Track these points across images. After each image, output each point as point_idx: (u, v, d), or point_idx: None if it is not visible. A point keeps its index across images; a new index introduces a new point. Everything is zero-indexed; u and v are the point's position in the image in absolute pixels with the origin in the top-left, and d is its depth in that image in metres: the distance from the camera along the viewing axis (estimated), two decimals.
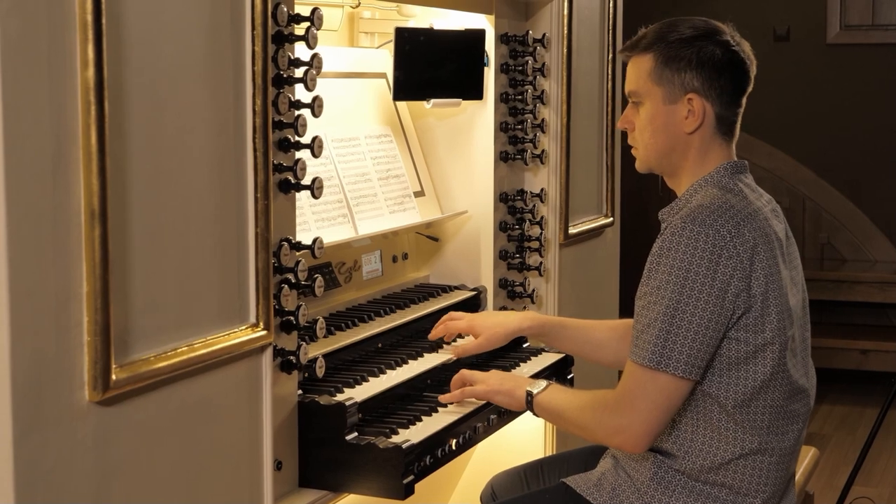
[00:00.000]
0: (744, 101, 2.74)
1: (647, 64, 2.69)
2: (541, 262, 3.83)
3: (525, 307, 3.81)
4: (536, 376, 3.27)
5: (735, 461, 2.60)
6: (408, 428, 2.79)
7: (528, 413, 2.88)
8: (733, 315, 2.53)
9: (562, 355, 3.45)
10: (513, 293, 3.79)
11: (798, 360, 2.67)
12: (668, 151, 2.72)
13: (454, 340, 3.27)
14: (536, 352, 3.50)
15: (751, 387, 2.57)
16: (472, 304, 3.61)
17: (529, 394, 2.81)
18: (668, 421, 2.57)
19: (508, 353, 3.41)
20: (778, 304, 2.57)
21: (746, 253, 2.52)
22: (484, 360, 3.34)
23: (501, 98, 3.70)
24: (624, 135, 2.86)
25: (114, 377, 2.06)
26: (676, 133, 2.69)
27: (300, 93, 2.60)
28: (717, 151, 2.71)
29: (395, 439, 2.69)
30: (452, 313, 3.28)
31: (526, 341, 3.54)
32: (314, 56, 2.60)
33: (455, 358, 3.18)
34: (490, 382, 2.90)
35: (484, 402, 2.95)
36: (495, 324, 3.18)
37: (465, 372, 2.97)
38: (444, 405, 2.94)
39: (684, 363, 2.50)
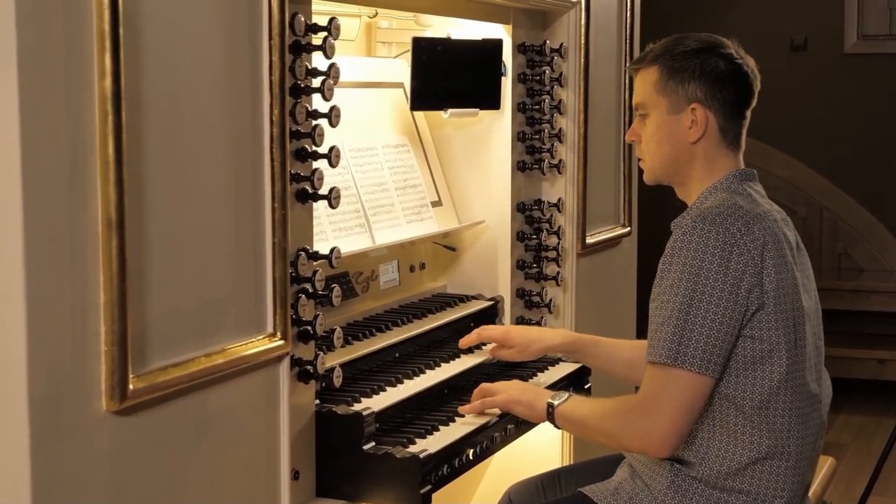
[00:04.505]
0: (748, 114, 2.79)
1: (653, 76, 2.75)
2: (558, 272, 3.83)
3: (542, 317, 3.81)
4: (554, 386, 3.28)
5: (752, 466, 2.61)
6: (425, 437, 2.78)
7: (546, 423, 2.88)
8: (747, 311, 2.55)
9: (578, 365, 3.45)
10: (530, 303, 3.78)
11: (811, 366, 2.67)
12: (673, 161, 2.76)
13: (484, 345, 3.34)
14: (554, 361, 3.49)
15: (768, 387, 2.58)
16: (490, 314, 3.60)
17: (550, 405, 2.82)
18: (691, 422, 2.57)
19: (527, 362, 3.39)
20: (791, 301, 2.60)
21: (757, 250, 2.55)
22: (501, 370, 3.34)
23: (518, 108, 3.70)
24: None
25: (131, 387, 2.06)
26: (680, 142, 2.74)
27: (317, 102, 2.60)
28: (724, 161, 2.75)
29: (412, 449, 2.68)
30: (486, 326, 3.36)
31: None
32: (331, 66, 2.60)
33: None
34: (511, 393, 2.92)
35: (503, 412, 2.96)
36: (531, 339, 3.25)
37: (485, 385, 2.99)
38: (462, 415, 2.94)
39: (700, 358, 2.52)
